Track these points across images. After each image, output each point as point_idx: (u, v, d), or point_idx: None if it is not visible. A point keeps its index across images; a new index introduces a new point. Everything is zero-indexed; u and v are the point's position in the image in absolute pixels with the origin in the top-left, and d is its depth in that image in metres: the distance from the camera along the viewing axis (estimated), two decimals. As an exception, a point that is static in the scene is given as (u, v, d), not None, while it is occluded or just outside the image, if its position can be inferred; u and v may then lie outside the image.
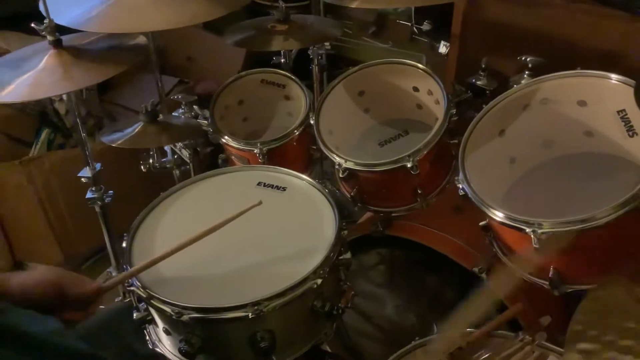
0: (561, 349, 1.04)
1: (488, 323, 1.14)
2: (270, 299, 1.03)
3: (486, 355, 1.06)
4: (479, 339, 1.09)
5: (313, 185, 1.29)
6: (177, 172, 1.78)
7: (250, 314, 1.02)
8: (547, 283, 1.13)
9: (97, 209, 1.53)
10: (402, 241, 1.49)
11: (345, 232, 1.18)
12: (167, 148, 1.72)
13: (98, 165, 1.49)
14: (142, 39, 1.38)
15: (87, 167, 1.46)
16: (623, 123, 1.12)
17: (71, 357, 0.77)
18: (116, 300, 1.74)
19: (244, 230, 1.18)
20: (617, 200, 0.98)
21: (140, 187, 1.80)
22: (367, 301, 1.70)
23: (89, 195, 1.49)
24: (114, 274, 1.71)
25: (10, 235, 2.22)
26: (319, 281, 1.07)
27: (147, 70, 2.15)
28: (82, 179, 1.47)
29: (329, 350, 1.62)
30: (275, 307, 1.03)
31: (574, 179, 1.25)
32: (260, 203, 1.15)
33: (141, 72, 2.49)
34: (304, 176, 1.30)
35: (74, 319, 0.96)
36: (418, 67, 1.39)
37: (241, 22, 1.64)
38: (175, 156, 1.72)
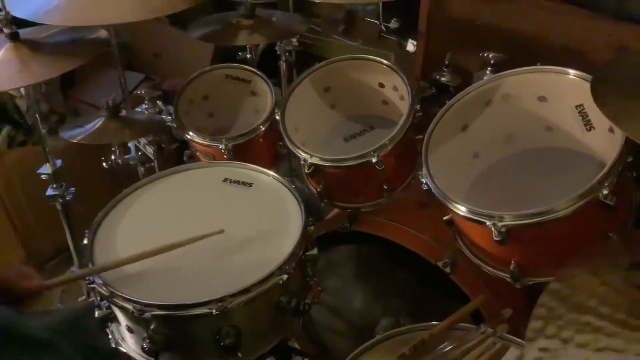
0: (522, 341, 1.06)
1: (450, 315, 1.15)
2: (235, 295, 1.03)
3: (449, 348, 1.07)
4: (442, 331, 1.10)
5: (279, 182, 1.28)
6: (141, 170, 1.75)
7: (214, 311, 1.01)
8: (509, 276, 1.15)
9: (58, 206, 1.50)
10: (369, 236, 1.50)
11: (312, 227, 1.18)
12: (131, 144, 1.69)
13: (59, 162, 1.46)
14: (103, 33, 1.35)
15: (47, 164, 1.43)
16: (581, 117, 1.14)
17: (28, 344, 0.76)
18: (80, 299, 1.71)
19: (209, 227, 1.17)
20: (574, 194, 1.00)
21: (105, 185, 1.76)
22: (335, 297, 1.70)
23: (49, 192, 1.46)
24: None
25: (-30, 233, 2.16)
26: (285, 277, 1.07)
27: (112, 66, 2.11)
28: (42, 176, 1.43)
29: (297, 346, 1.62)
30: (241, 304, 1.03)
31: (535, 173, 1.27)
32: (222, 231, 1.15)
33: (106, 68, 2.44)
34: (270, 172, 1.30)
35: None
36: (382, 63, 1.40)
37: (207, 16, 1.63)
38: (140, 153, 1.70)
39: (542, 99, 1.23)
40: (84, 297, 1.69)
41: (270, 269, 1.06)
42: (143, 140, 1.63)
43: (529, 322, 0.88)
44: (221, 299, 1.02)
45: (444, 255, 1.35)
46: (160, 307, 1.02)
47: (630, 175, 1.09)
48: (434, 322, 1.14)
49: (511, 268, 1.13)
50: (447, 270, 1.34)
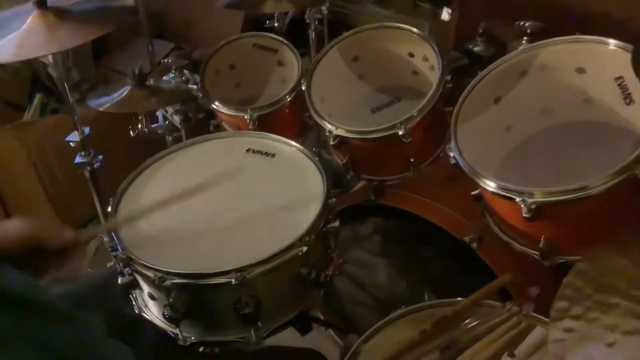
0: (547, 320, 1.02)
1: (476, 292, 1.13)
2: (255, 265, 1.02)
3: (472, 324, 1.05)
4: (466, 307, 1.07)
5: (302, 152, 1.26)
6: (169, 139, 1.75)
7: (233, 280, 1.01)
8: (538, 253, 1.11)
9: (87, 173, 1.51)
10: (396, 210, 1.47)
11: (334, 199, 1.16)
12: (158, 114, 1.69)
13: (87, 130, 1.47)
14: (130, 0, 1.34)
15: (76, 132, 1.44)
16: (620, 90, 1.08)
17: (49, 314, 0.76)
18: (109, 265, 1.73)
19: (231, 196, 1.17)
20: (609, 170, 0.95)
21: (133, 153, 1.78)
22: (361, 269, 1.69)
23: (77, 160, 1.48)
24: (105, 239, 1.70)
25: (5, 199, 2.21)
26: (305, 249, 1.06)
27: (143, 34, 2.12)
28: (71, 144, 1.45)
29: (320, 316, 1.62)
30: (260, 274, 1.02)
31: (570, 147, 1.22)
32: (241, 170, 1.14)
33: (138, 37, 2.44)
34: (293, 143, 1.28)
35: (50, 270, 0.94)
36: (413, 32, 1.35)
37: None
38: (167, 122, 1.70)
39: (580, 70, 1.17)
40: (112, 263, 1.72)
41: (291, 240, 1.05)
42: (170, 110, 1.63)
43: (554, 301, 0.85)
44: (240, 269, 1.01)
45: (470, 231, 1.32)
46: (180, 275, 1.03)
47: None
48: (459, 299, 1.12)
49: (540, 245, 1.09)
50: (474, 246, 1.31)
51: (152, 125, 1.65)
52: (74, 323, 0.79)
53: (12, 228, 0.91)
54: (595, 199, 0.97)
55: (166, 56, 2.47)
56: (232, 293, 1.04)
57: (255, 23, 2.41)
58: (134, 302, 1.20)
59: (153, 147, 1.72)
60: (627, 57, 1.00)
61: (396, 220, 1.59)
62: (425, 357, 1.00)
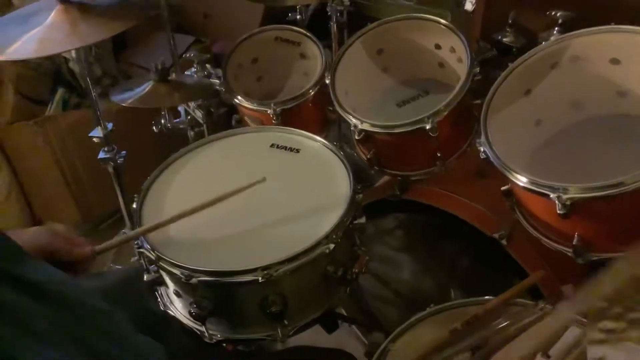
0: (583, 319, 1.00)
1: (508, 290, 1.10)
2: (281, 263, 1.00)
3: (504, 324, 1.02)
4: (496, 307, 1.05)
5: (327, 147, 1.24)
6: (191, 134, 1.75)
7: (260, 278, 0.99)
8: (571, 250, 1.08)
9: (110, 169, 1.51)
10: (421, 206, 1.45)
11: (360, 195, 1.14)
12: (180, 108, 1.68)
13: (110, 125, 1.47)
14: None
15: (99, 127, 1.44)
16: (659, 82, 1.05)
17: (85, 309, 0.76)
18: (132, 260, 1.74)
19: (255, 193, 1.15)
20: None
21: (156, 148, 1.78)
22: (385, 265, 1.67)
23: (101, 155, 1.48)
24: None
25: (29, 195, 2.23)
26: (332, 246, 1.04)
27: (163, 28, 2.11)
28: (94, 139, 1.44)
29: (344, 313, 1.61)
30: (287, 272, 1.01)
31: (603, 141, 1.18)
32: (264, 179, 1.13)
33: (157, 31, 2.43)
34: (318, 137, 1.26)
35: None
36: (440, 23, 1.32)
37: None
38: (189, 117, 1.69)
39: (614, 61, 1.13)
40: (136, 258, 1.72)
41: (317, 237, 1.03)
42: (192, 104, 1.62)
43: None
44: (267, 267, 1.00)
45: (500, 227, 1.29)
46: (207, 273, 1.02)
47: None
48: (488, 297, 1.10)
49: (574, 242, 1.06)
50: (504, 242, 1.28)
51: (175, 120, 1.64)
52: (107, 317, 0.79)
53: (28, 238, 0.90)
54: (633, 195, 0.93)
55: (186, 50, 2.47)
56: (258, 291, 1.03)
57: (275, 16, 2.39)
58: (159, 299, 1.20)
59: (175, 142, 1.72)
60: (667, 47, 0.97)
61: (420, 215, 1.56)
62: (455, 357, 0.98)
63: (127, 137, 1.59)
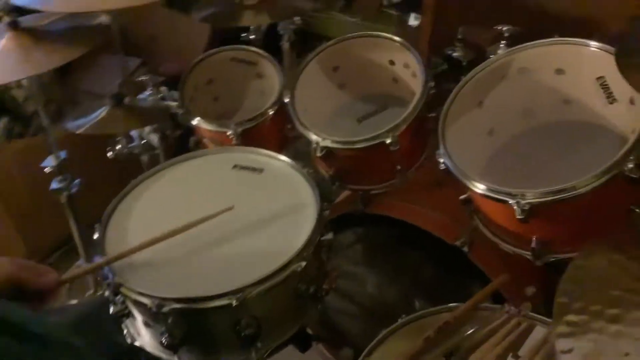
0: (547, 319, 1.04)
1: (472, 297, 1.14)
2: (255, 285, 1.00)
3: (474, 329, 1.05)
4: (466, 312, 1.08)
5: (291, 166, 1.25)
6: (144, 159, 1.71)
7: (234, 302, 0.99)
8: (530, 253, 1.13)
9: (63, 199, 1.46)
10: (379, 219, 1.48)
11: (327, 212, 1.15)
12: (133, 134, 1.65)
13: (62, 154, 1.42)
14: (105, 18, 1.31)
15: (51, 156, 1.39)
16: (602, 90, 1.11)
17: (46, 344, 0.74)
18: (87, 294, 1.68)
19: (220, 217, 1.14)
20: (598, 169, 0.97)
21: (106, 175, 1.73)
22: (347, 280, 1.68)
23: (53, 185, 1.43)
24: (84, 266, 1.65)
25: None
26: (303, 264, 1.05)
27: (108, 51, 2.07)
28: (47, 169, 1.40)
29: (309, 331, 1.61)
30: (260, 293, 1.00)
31: (553, 148, 1.25)
32: (232, 207, 1.12)
33: (102, 54, 2.38)
34: (281, 156, 1.26)
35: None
36: (394, 40, 1.36)
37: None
38: (143, 142, 1.66)
39: (559, 71, 1.20)
40: (91, 291, 1.67)
41: (289, 256, 1.04)
42: (147, 129, 1.59)
43: (556, 297, 0.87)
44: (240, 290, 0.99)
45: (461, 235, 1.33)
46: (178, 300, 1.00)
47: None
48: (456, 304, 1.12)
49: (532, 245, 1.11)
50: (465, 249, 1.31)
51: (130, 145, 1.61)
52: (76, 353, 0.77)
53: None
54: (586, 196, 0.99)
55: (134, 72, 2.42)
56: (231, 315, 1.02)
57: (225, 37, 2.40)
58: (125, 332, 1.16)
59: (126, 167, 1.69)
60: (608, 57, 1.03)
61: (378, 228, 1.59)
62: (431, 364, 1.00)
63: (78, 165, 1.54)
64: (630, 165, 0.96)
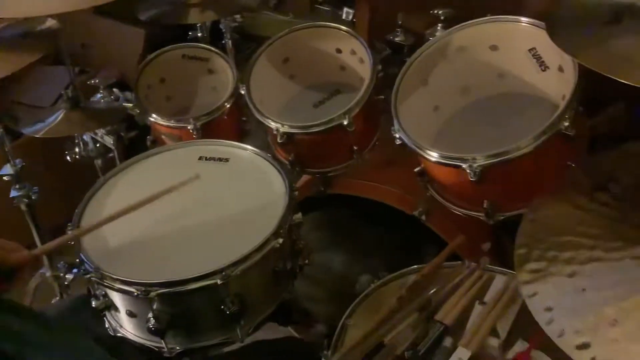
0: (505, 269, 1.15)
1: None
2: (237, 263, 1.05)
3: (441, 285, 1.15)
4: (432, 271, 1.17)
5: (256, 154, 1.31)
6: (99, 162, 1.71)
7: (219, 281, 1.03)
8: (483, 214, 1.23)
9: (23, 207, 1.44)
10: (336, 202, 1.54)
11: (296, 192, 1.21)
12: (86, 137, 1.64)
13: (18, 161, 1.41)
14: (54, 24, 1.31)
15: (8, 164, 1.38)
16: (535, 60, 1.23)
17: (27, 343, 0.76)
18: (52, 301, 1.66)
19: (194, 202, 1.18)
20: (539, 129, 1.09)
21: (64, 181, 1.72)
22: (312, 266, 1.74)
23: (13, 194, 1.41)
24: (47, 274, 1.63)
25: None
26: (281, 240, 1.11)
27: (42, 62, 2.02)
28: (4, 178, 1.38)
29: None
30: (243, 271, 1.05)
31: (493, 119, 1.34)
32: (198, 177, 1.17)
33: (37, 66, 2.32)
34: (247, 146, 1.32)
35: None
36: (341, 29, 1.44)
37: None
38: (97, 145, 1.65)
39: (493, 47, 1.31)
40: (57, 298, 1.65)
41: (266, 234, 1.09)
42: (101, 131, 1.59)
43: (515, 250, 0.97)
44: (224, 269, 1.04)
45: (418, 205, 1.42)
46: (163, 284, 1.03)
47: (579, 108, 1.20)
48: (418, 266, 1.21)
49: (484, 206, 1.21)
50: (423, 218, 1.41)
51: (89, 148, 1.60)
52: (74, 332, 0.80)
53: None
54: (529, 155, 1.09)
55: (72, 82, 2.38)
56: (217, 294, 1.06)
57: (163, 40, 2.39)
58: (107, 324, 1.18)
59: (86, 173, 1.67)
60: (538, 31, 1.16)
61: (340, 210, 1.67)
62: (406, 319, 1.08)
63: (36, 173, 1.52)
64: (566, 124, 1.07)
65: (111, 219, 1.09)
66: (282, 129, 1.35)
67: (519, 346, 0.98)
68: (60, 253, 1.39)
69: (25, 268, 0.96)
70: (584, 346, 0.73)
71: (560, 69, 1.19)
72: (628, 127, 1.53)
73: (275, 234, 1.11)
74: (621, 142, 1.10)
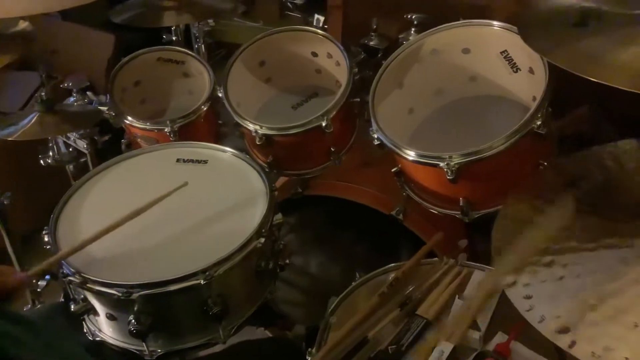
0: (482, 265, 1.18)
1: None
2: (219, 263, 1.05)
3: (421, 281, 1.17)
4: (411, 268, 1.19)
5: (235, 155, 1.31)
6: (70, 167, 1.68)
7: (202, 281, 1.03)
8: (459, 212, 1.26)
9: (-5, 212, 1.41)
10: (313, 205, 1.55)
11: (276, 193, 1.22)
12: (59, 141, 1.62)
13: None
14: (28, 26, 1.29)
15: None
16: (507, 62, 1.28)
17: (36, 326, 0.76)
18: (25, 309, 1.62)
19: (174, 204, 1.18)
20: (512, 128, 1.12)
21: (35, 186, 1.68)
22: (289, 270, 1.74)
23: (-17, 198, 1.38)
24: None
25: None
26: (262, 240, 1.11)
27: (9, 67, 1.98)
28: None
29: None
30: (226, 271, 1.05)
31: (466, 121, 1.39)
32: (186, 184, 1.17)
33: (3, 70, 2.27)
34: (224, 148, 1.32)
35: None
36: (318, 33, 1.46)
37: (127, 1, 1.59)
38: (70, 149, 1.63)
39: (466, 50, 1.35)
40: (29, 306, 1.61)
41: (248, 234, 1.10)
42: (74, 135, 1.57)
43: (492, 243, 0.99)
44: (207, 269, 1.04)
45: (395, 206, 1.45)
46: (145, 286, 1.03)
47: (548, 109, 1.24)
48: (398, 263, 1.23)
49: (460, 204, 1.24)
50: (400, 218, 1.44)
51: (63, 151, 1.58)
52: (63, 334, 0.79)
53: None
54: (502, 155, 1.13)
55: (39, 87, 2.33)
56: (199, 295, 1.06)
57: (135, 43, 2.37)
58: (86, 329, 1.16)
59: (58, 178, 1.64)
60: (508, 34, 1.20)
61: (316, 213, 1.68)
62: (388, 315, 1.09)
63: (6, 178, 1.49)
64: (539, 122, 1.11)
65: (101, 234, 1.07)
66: (260, 131, 1.36)
67: (499, 338, 1.01)
68: (30, 258, 1.35)
69: (22, 289, 0.96)
70: (564, 330, 0.75)
71: (531, 71, 1.24)
72: (592, 128, 1.60)
73: (257, 234, 1.11)
74: (586, 143, 1.14)
